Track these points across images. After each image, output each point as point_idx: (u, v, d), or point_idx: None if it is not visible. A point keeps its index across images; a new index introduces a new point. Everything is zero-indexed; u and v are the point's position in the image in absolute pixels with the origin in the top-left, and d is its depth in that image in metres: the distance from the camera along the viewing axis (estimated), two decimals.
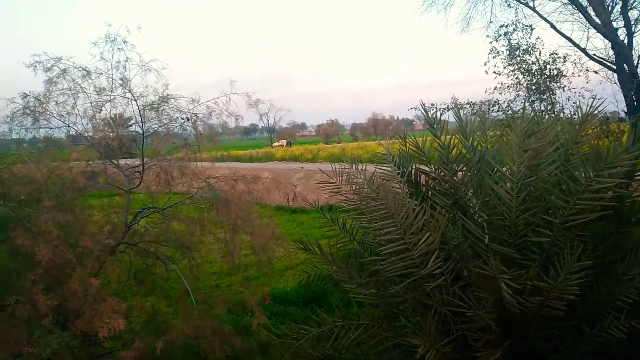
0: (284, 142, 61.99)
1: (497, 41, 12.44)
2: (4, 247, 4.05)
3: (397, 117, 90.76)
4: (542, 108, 11.78)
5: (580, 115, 3.50)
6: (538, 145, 3.13)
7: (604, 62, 11.84)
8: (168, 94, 5.54)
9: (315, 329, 3.83)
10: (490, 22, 13.15)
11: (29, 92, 5.20)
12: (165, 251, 5.53)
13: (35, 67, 5.14)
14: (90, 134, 5.70)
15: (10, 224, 4.11)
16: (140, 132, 5.71)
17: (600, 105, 3.47)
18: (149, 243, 5.39)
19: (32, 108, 5.19)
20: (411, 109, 12.65)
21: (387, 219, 3.17)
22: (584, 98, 11.69)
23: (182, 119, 5.68)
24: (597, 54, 11.91)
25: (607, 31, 11.25)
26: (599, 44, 15.54)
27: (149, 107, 5.57)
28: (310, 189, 17.44)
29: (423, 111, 4.00)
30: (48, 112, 5.30)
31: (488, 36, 12.76)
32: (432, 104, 12.42)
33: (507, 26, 12.37)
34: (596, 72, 11.95)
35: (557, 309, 2.93)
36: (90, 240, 4.29)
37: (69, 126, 5.54)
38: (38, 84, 5.22)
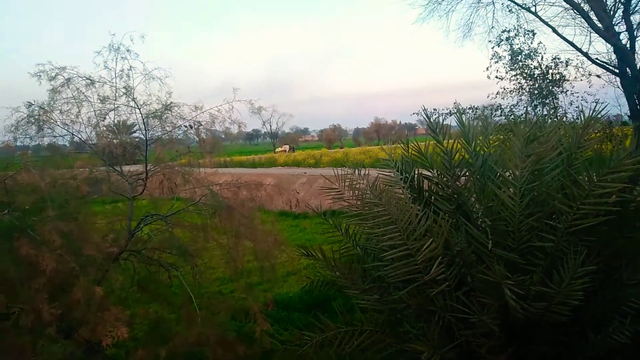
0: (287, 147, 62.01)
1: (499, 46, 12.47)
2: (9, 256, 4.06)
3: (400, 122, 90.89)
4: (545, 112, 11.76)
5: (583, 119, 3.50)
6: (541, 150, 3.13)
7: (607, 66, 11.82)
8: (171, 102, 5.57)
9: (319, 335, 3.82)
10: (492, 27, 13.13)
11: (34, 101, 5.24)
12: (168, 258, 5.53)
13: (40, 76, 5.18)
14: (94, 142, 5.74)
15: (14, 233, 4.12)
16: (144, 139, 5.73)
17: (603, 109, 3.48)
18: (152, 250, 5.40)
19: (36, 117, 5.23)
20: (414, 114, 12.83)
21: (390, 224, 3.17)
22: (586, 102, 11.68)
23: (185, 126, 5.71)
24: (599, 58, 11.91)
25: (609, 35, 11.24)
26: (601, 48, 15.55)
27: (152, 115, 5.60)
28: (313, 194, 17.42)
29: (425, 116, 4.02)
30: (52, 121, 5.34)
31: (490, 41, 12.81)
32: (435, 109, 12.43)
33: (509, 31, 12.40)
34: (599, 76, 11.93)
35: (561, 314, 2.91)
36: (93, 248, 4.30)
37: (73, 134, 5.57)
38: (42, 93, 5.27)
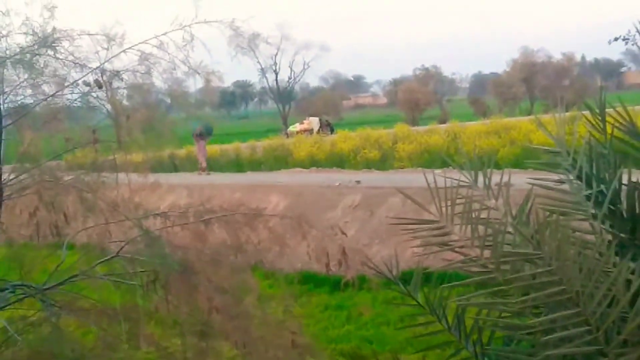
0: (314, 122, 61.95)
1: None
2: None
3: (583, 58, 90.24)
4: None
5: None
6: None
7: None
8: (55, 29, 5.70)
9: None
10: None
11: None
12: None
13: None
14: None
15: None
16: None
17: None
18: None
19: None
20: (615, 39, 12.54)
21: (567, 306, 3.14)
22: None
23: (87, 83, 5.83)
24: None
25: None
26: None
27: (12, 59, 5.76)
28: (378, 234, 17.46)
29: None
30: None
31: None
32: None
33: None
34: None
35: None
36: None
37: None
38: None
